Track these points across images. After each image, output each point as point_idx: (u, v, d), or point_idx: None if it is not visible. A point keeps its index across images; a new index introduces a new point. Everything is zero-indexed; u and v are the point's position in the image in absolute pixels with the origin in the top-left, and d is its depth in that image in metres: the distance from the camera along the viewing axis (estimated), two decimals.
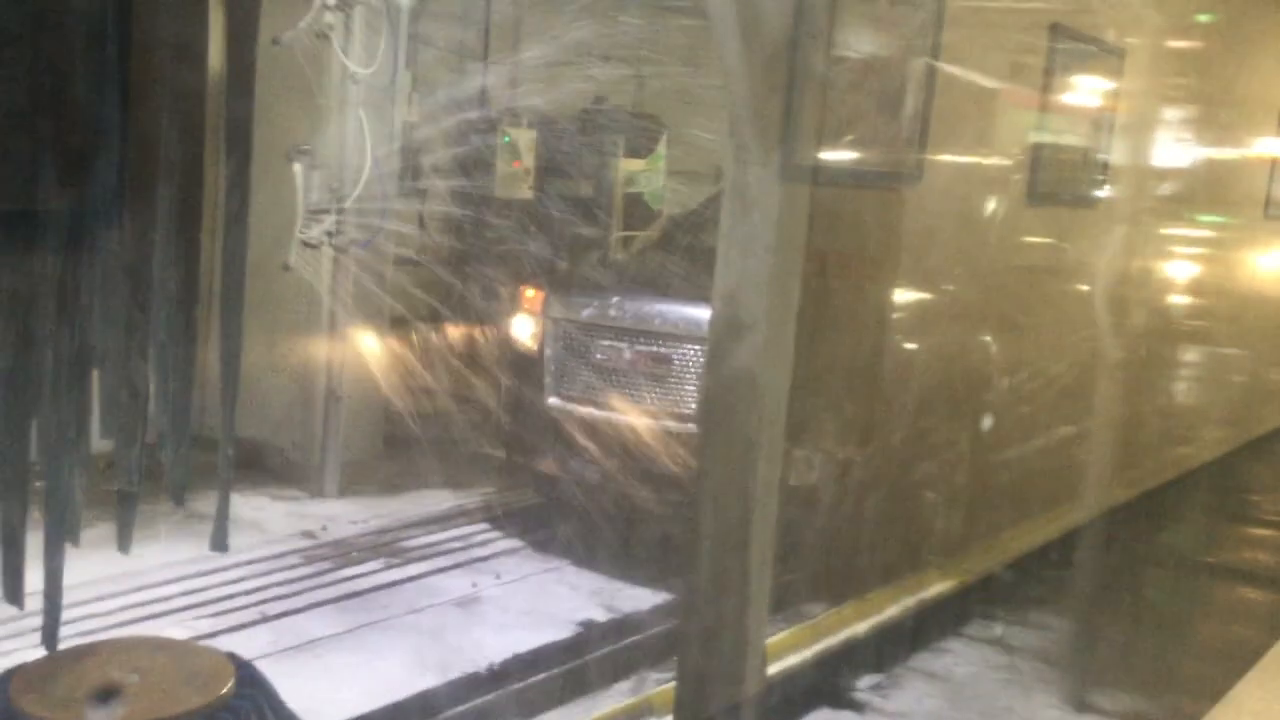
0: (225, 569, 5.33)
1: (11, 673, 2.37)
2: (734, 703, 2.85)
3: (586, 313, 6.09)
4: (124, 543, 2.67)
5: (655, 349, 5.68)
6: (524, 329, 6.38)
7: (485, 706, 4.25)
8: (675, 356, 5.66)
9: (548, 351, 6.10)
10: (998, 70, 6.10)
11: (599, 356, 5.90)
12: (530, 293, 6.43)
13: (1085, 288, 6.96)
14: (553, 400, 6.03)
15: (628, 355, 5.76)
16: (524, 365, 6.24)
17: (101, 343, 2.55)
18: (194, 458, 2.77)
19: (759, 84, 2.57)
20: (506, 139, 8.11)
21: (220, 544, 2.62)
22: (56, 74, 2.35)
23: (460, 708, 4.17)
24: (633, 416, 5.68)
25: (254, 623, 4.96)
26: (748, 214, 2.68)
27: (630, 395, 5.74)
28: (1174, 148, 8.08)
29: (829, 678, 4.63)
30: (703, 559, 2.78)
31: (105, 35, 2.33)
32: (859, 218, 3.72)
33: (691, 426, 5.23)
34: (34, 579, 2.54)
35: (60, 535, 2.55)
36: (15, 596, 2.41)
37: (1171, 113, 7.85)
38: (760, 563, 2.77)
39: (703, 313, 5.54)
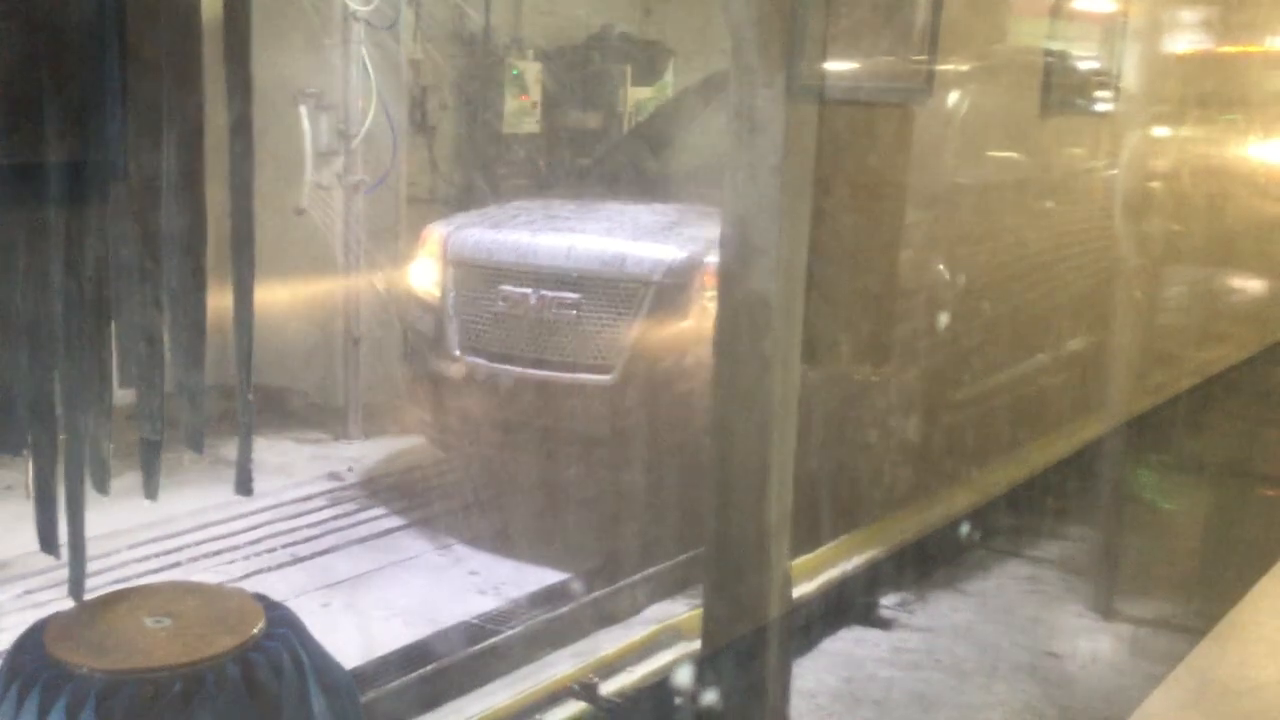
0: (254, 513, 5.40)
1: (45, 622, 2.40)
2: (759, 625, 2.88)
3: (489, 254, 5.50)
4: (151, 490, 2.69)
5: (564, 294, 5.18)
6: (425, 275, 5.74)
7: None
8: (586, 301, 5.13)
9: (451, 298, 5.51)
10: None
11: (502, 304, 5.33)
12: (436, 233, 5.80)
13: (1103, 196, 6.89)
14: (456, 355, 5.44)
15: (533, 301, 5.22)
16: (426, 316, 5.65)
17: (116, 293, 2.56)
18: (217, 404, 2.79)
19: (762, 2, 2.53)
20: (515, 72, 8.05)
21: (244, 488, 2.64)
22: (53, 23, 2.34)
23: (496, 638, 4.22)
24: (541, 371, 5.17)
25: (285, 564, 5.04)
26: (754, 137, 2.66)
27: (539, 346, 5.20)
28: (1190, 51, 7.95)
29: (856, 597, 4.67)
30: (720, 485, 2.80)
31: None
32: (868, 136, 3.63)
33: (608, 378, 4.99)
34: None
35: (81, 486, 2.56)
36: (50, 546, 2.44)
37: (1187, 14, 7.72)
38: (780, 486, 2.78)
39: (622, 248, 5.21)
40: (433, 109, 7.60)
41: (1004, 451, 5.91)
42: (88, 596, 2.57)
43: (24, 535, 2.68)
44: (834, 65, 2.97)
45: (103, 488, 2.65)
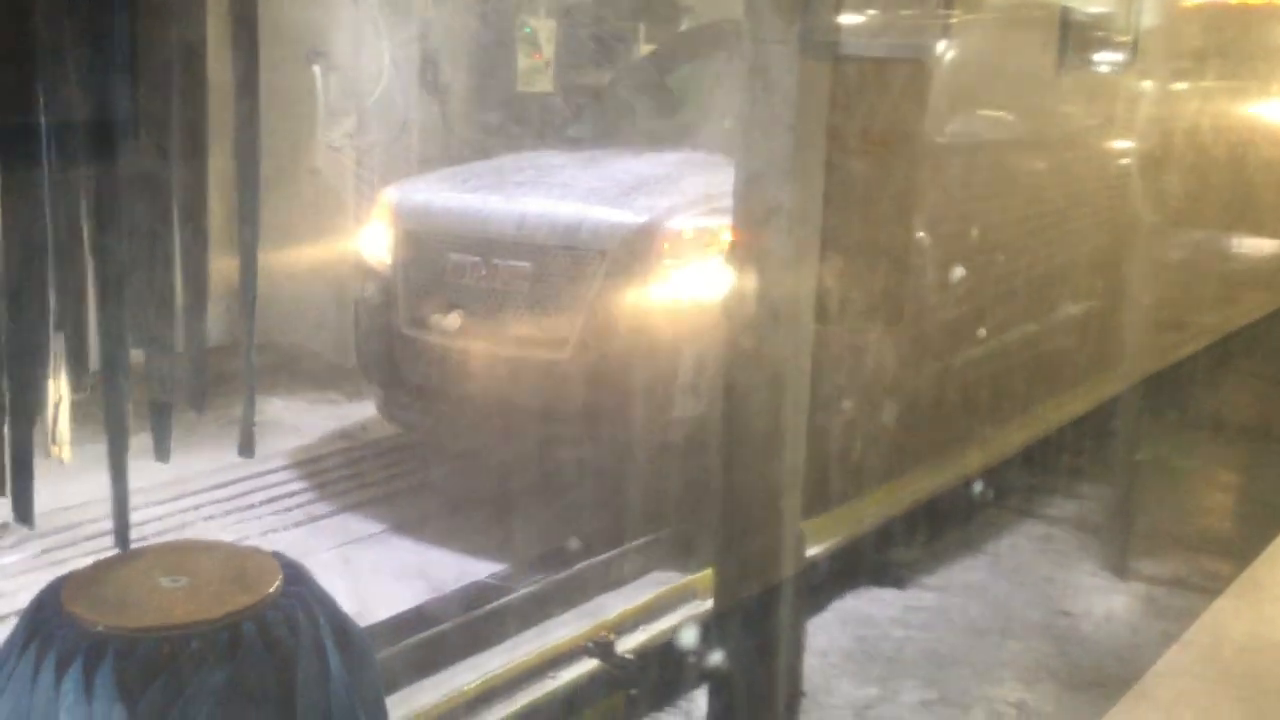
0: (268, 473, 5.42)
1: (63, 580, 2.41)
2: (771, 584, 2.89)
3: (438, 220, 5.19)
4: (162, 452, 2.70)
5: (514, 263, 4.85)
6: (376, 241, 5.40)
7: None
8: (538, 272, 4.80)
9: (399, 267, 5.21)
10: None
11: (450, 274, 5.02)
12: (387, 197, 5.47)
13: (1123, 151, 6.84)
14: (402, 327, 5.14)
15: (482, 271, 4.91)
16: (375, 285, 5.35)
17: (129, 254, 2.56)
18: (229, 364, 2.80)
19: None
20: (527, 30, 8.00)
21: (247, 448, 2.65)
22: None
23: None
24: (491, 345, 4.87)
25: (300, 523, 5.06)
26: (768, 93, 2.63)
27: (488, 319, 4.88)
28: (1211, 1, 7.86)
29: (870, 555, 4.68)
30: (730, 443, 2.80)
31: None
32: (882, 91, 3.56)
33: (561, 353, 4.67)
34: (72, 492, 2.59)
35: (124, 442, 2.57)
36: (26, 517, 2.44)
37: None
38: (792, 445, 2.78)
39: (577, 213, 4.85)
40: (445, 68, 7.57)
41: (1018, 410, 5.89)
42: (103, 555, 2.59)
43: (42, 495, 2.72)
44: (848, 19, 2.94)
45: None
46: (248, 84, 2.58)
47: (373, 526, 5.07)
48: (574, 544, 4.57)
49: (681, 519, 4.67)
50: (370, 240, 5.44)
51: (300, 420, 6.26)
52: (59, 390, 2.58)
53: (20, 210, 2.38)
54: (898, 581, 4.79)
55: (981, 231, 5.31)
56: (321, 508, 5.22)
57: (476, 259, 4.94)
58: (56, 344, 2.54)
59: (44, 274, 2.45)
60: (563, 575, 4.33)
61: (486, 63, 7.88)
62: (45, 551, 4.59)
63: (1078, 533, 5.43)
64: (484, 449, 5.23)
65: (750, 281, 2.69)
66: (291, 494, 5.31)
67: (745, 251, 2.72)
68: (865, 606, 4.61)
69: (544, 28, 8.13)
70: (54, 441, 2.69)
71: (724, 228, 4.52)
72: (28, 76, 2.33)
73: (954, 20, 4.41)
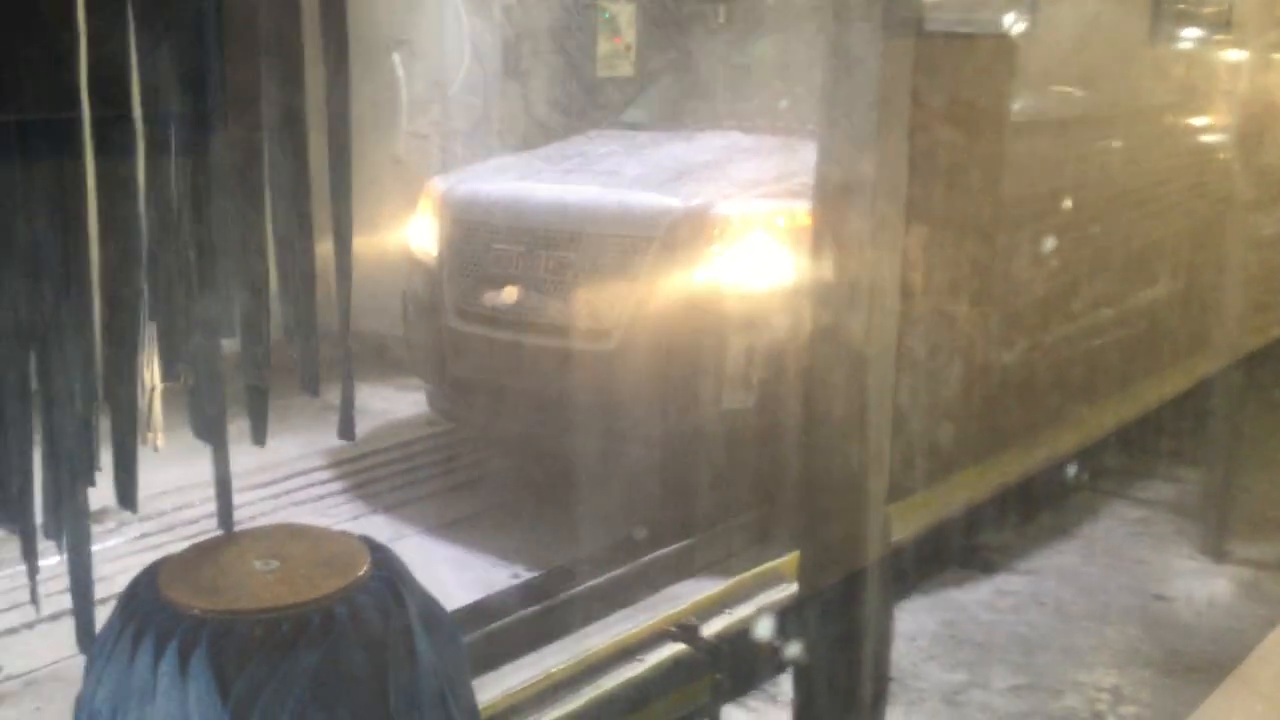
0: (359, 458, 5.49)
1: (158, 565, 2.46)
2: (857, 568, 2.86)
3: (484, 210, 5.12)
4: (259, 436, 2.74)
5: (559, 253, 4.76)
6: (424, 233, 5.36)
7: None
8: (583, 260, 4.70)
9: (446, 259, 5.14)
10: None
11: (496, 264, 4.95)
12: (435, 188, 5.40)
13: (1218, 125, 6.66)
14: (449, 319, 5.06)
15: (527, 261, 4.82)
16: (422, 277, 5.30)
17: (223, 242, 2.60)
18: (323, 351, 2.84)
19: None
20: (606, 15, 7.99)
21: (347, 433, 2.68)
22: None
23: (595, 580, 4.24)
24: (538, 337, 4.77)
25: (391, 507, 5.12)
26: (850, 71, 2.60)
27: (534, 310, 4.78)
28: None
29: (959, 539, 4.62)
30: (812, 426, 2.77)
31: None
32: (969, 68, 3.47)
33: (608, 344, 4.56)
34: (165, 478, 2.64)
35: (222, 426, 2.62)
36: (129, 502, 2.49)
37: None
38: (876, 427, 2.75)
39: (622, 199, 4.77)
40: (526, 54, 7.59)
41: (1113, 389, 5.76)
42: (198, 539, 2.64)
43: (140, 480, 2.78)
44: None
45: (215, 436, 2.72)
46: (338, 70, 2.60)
47: (464, 510, 5.11)
48: (625, 541, 4.55)
49: (735, 513, 4.61)
50: (417, 232, 5.39)
51: (388, 406, 6.35)
52: (152, 378, 2.64)
53: (115, 199, 2.44)
54: (987, 566, 4.72)
55: (1074, 207, 5.18)
56: (412, 492, 5.28)
57: (522, 248, 4.88)
58: (150, 331, 2.61)
59: (138, 262, 2.50)
60: (631, 567, 4.31)
61: (568, 48, 7.89)
62: (143, 536, 4.70)
63: (1174, 516, 5.31)
64: (533, 442, 5.20)
65: (831, 259, 2.66)
66: (381, 479, 5.38)
67: (826, 229, 2.69)
68: (954, 591, 4.56)
69: (624, 12, 8.11)
70: (148, 428, 2.75)
71: (775, 212, 4.49)
72: (121, 65, 2.37)
73: None
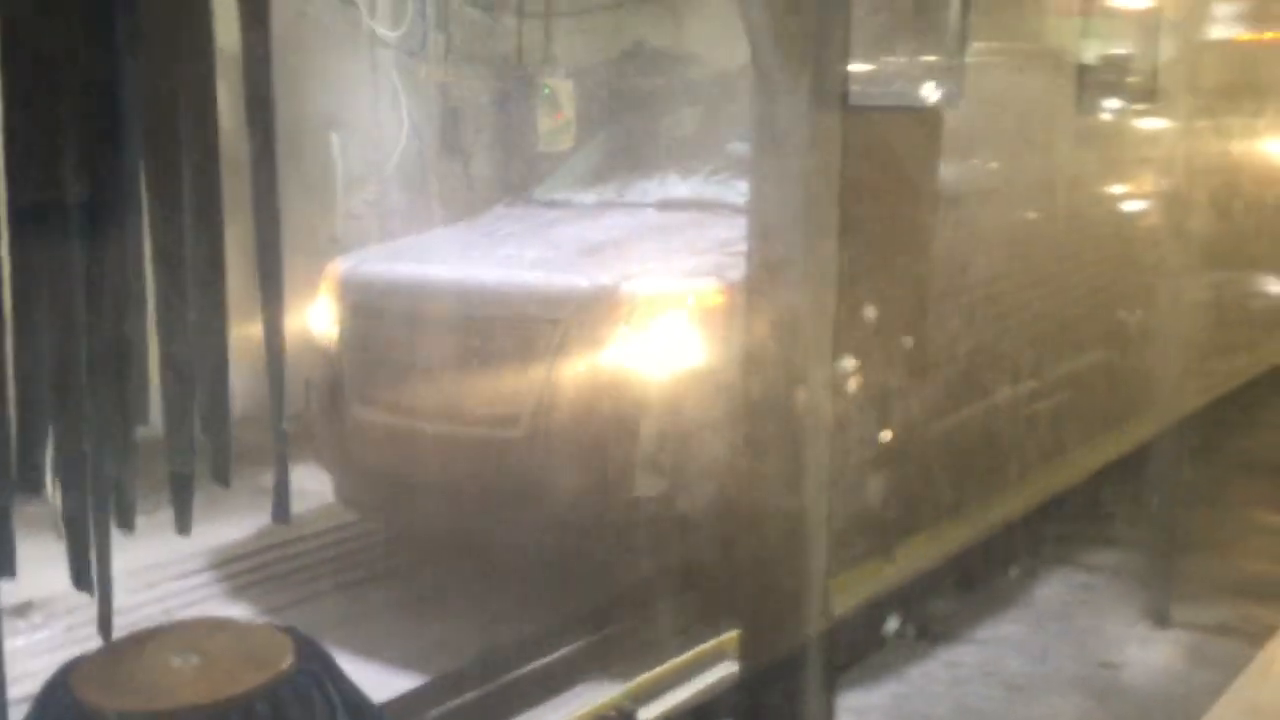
0: (293, 541, 5.34)
1: (72, 664, 2.39)
2: (800, 643, 2.82)
3: (381, 293, 4.93)
4: (183, 525, 2.67)
5: (462, 336, 4.57)
6: (324, 317, 5.09)
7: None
8: (486, 344, 4.53)
9: (345, 344, 4.93)
10: None
11: (397, 349, 4.78)
12: (334, 269, 5.16)
13: (1142, 193, 6.78)
14: (350, 406, 4.86)
15: (428, 345, 4.65)
16: (323, 362, 5.04)
17: (138, 328, 2.55)
18: (256, 434, 2.77)
19: (781, 5, 2.47)
20: (546, 90, 8.04)
21: (281, 515, 2.62)
22: (68, 63, 2.33)
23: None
24: (440, 425, 4.58)
25: (325, 593, 4.99)
26: (778, 145, 2.60)
27: (437, 396, 4.60)
28: (1228, 39, 7.83)
29: (904, 609, 4.59)
30: (752, 500, 2.74)
31: (112, 19, 2.31)
32: (896, 141, 3.49)
33: (514, 431, 4.42)
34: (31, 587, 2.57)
35: (107, 522, 2.55)
36: (83, 582, 2.42)
37: (1223, 4, 7.60)
38: (814, 499, 2.72)
39: (524, 280, 4.63)
40: (466, 131, 7.61)
41: (1051, 456, 5.78)
42: (119, 635, 2.56)
43: (62, 572, 2.69)
44: (858, 68, 2.91)
45: (127, 524, 2.64)
46: (264, 155, 2.57)
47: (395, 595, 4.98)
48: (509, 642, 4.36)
49: (651, 601, 4.46)
50: (317, 315, 5.14)
51: (325, 489, 6.21)
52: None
53: (35, 288, 2.38)
54: (933, 637, 4.69)
55: (1006, 275, 5.22)
56: (348, 576, 5.16)
57: (422, 333, 4.72)
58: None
59: (76, 349, 2.45)
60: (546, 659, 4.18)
61: (508, 124, 7.92)
62: (70, 629, 4.54)
63: (1117, 581, 5.31)
64: (439, 534, 5.02)
65: (764, 335, 2.65)
66: (318, 563, 5.24)
67: (758, 303, 2.68)
68: (901, 662, 4.51)
69: (564, 88, 8.17)
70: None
71: (685, 291, 4.38)
72: (41, 155, 2.33)
73: (967, 64, 4.34)
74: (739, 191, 4.72)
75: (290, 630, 2.58)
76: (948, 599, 4.87)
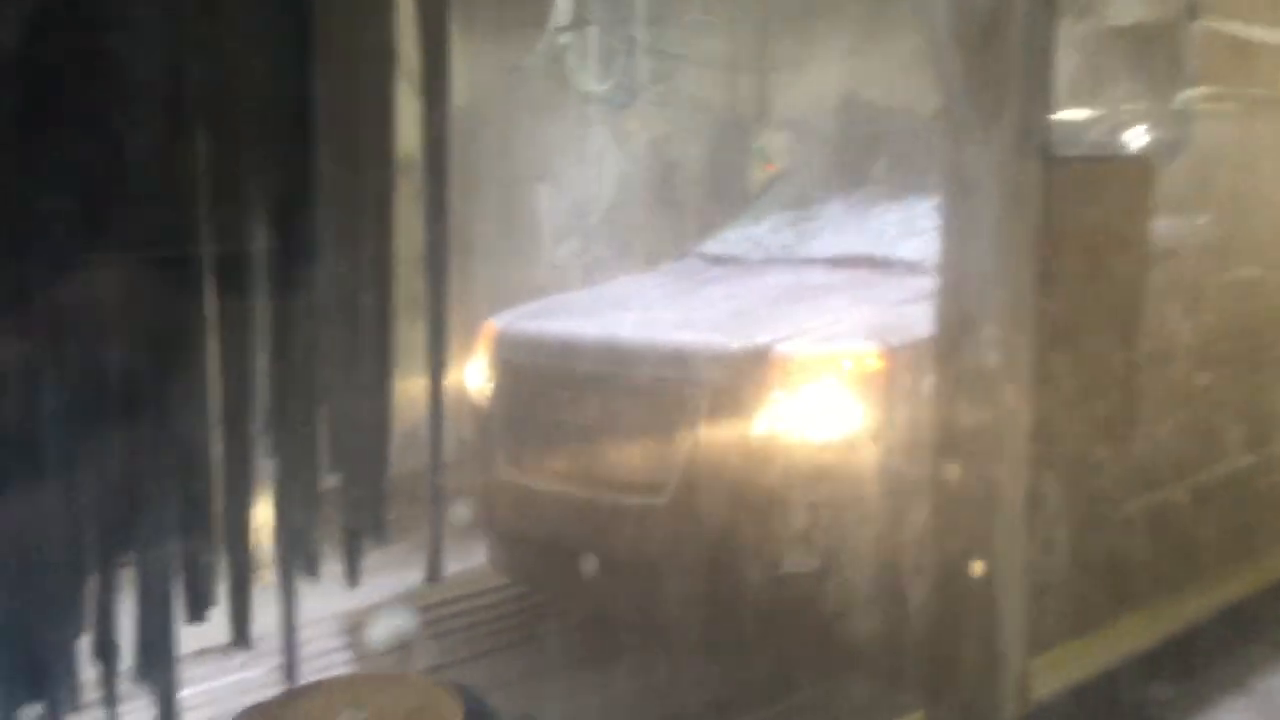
0: (462, 598, 5.30)
1: (245, 714, 2.41)
2: None
3: (532, 352, 4.80)
4: (353, 578, 2.70)
5: (608, 399, 4.43)
6: (478, 375, 5.00)
7: None
8: (633, 408, 4.38)
9: (496, 403, 4.82)
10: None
11: (544, 411, 4.65)
12: (491, 327, 5.03)
13: None
14: (499, 469, 4.73)
15: (574, 407, 4.53)
16: (475, 423, 4.94)
17: (322, 380, 2.58)
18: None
19: (974, 50, 2.34)
20: (757, 145, 8.00)
21: (435, 576, 2.62)
22: (250, 116, 2.38)
23: None
24: (585, 490, 4.44)
25: (489, 651, 4.92)
26: (967, 197, 2.46)
27: (583, 461, 4.46)
28: None
29: (1116, 695, 4.26)
30: (942, 579, 2.57)
31: (288, 70, 2.36)
32: (1103, 193, 3.23)
33: (659, 499, 4.23)
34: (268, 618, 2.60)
35: (293, 571, 2.59)
36: (243, 639, 2.45)
37: None
38: (1010, 578, 2.53)
39: (672, 341, 4.44)
40: (679, 182, 7.63)
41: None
42: (326, 673, 2.59)
43: (269, 614, 2.73)
44: (1060, 115, 2.74)
45: (314, 572, 2.68)
46: (438, 206, 2.60)
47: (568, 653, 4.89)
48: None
49: (802, 686, 4.22)
50: (473, 374, 5.02)
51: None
52: (266, 515, 2.62)
53: (232, 337, 2.45)
54: None
55: (1226, 338, 4.82)
56: (515, 635, 5.09)
57: (570, 394, 4.56)
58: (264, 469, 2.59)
59: (252, 401, 2.50)
60: None
61: (720, 176, 7.91)
62: (276, 668, 4.65)
63: None
64: (582, 603, 4.87)
65: (952, 402, 2.49)
66: (487, 620, 5.18)
67: (947, 366, 2.53)
68: None
69: (776, 140, 8.11)
70: (262, 566, 2.73)
71: (842, 354, 4.09)
72: (223, 207, 2.40)
73: (1189, 110, 4.02)
74: (914, 248, 4.51)
75: (460, 687, 2.55)
76: (1166, 684, 4.50)
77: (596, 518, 4.39)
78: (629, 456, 4.29)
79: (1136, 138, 4.03)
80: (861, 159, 5.95)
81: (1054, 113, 2.66)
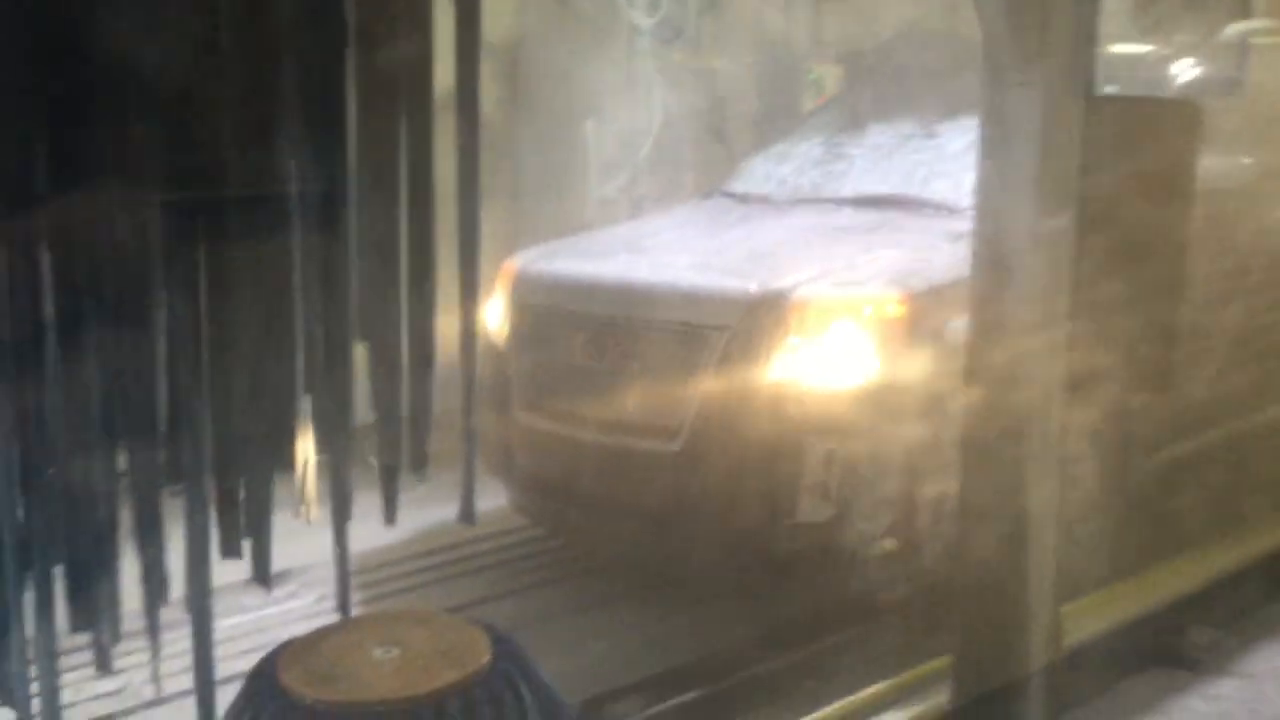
0: (491, 536, 5.33)
1: (283, 648, 2.46)
2: (1021, 676, 2.63)
3: (548, 292, 4.71)
4: (390, 515, 2.74)
5: (622, 341, 4.35)
6: (496, 316, 4.89)
7: None
8: (648, 350, 4.29)
9: (513, 345, 4.73)
10: None
11: (559, 352, 4.57)
12: (509, 266, 4.92)
13: None
14: (514, 411, 4.67)
15: (589, 349, 4.44)
16: (495, 364, 4.81)
17: (358, 320, 2.60)
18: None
19: None
20: (812, 77, 7.88)
21: (467, 517, 2.64)
22: (286, 54, 2.38)
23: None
24: (599, 434, 4.37)
25: (519, 590, 4.95)
26: (1007, 142, 2.40)
27: (597, 404, 4.36)
28: None
29: (1155, 637, 4.25)
30: (967, 523, 2.56)
31: (323, 17, 2.35)
32: (1145, 137, 3.13)
33: (673, 444, 4.15)
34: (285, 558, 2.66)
35: (345, 508, 2.62)
36: (264, 578, 2.50)
37: None
38: (1041, 522, 2.52)
39: (689, 283, 4.35)
40: (730, 116, 7.54)
41: None
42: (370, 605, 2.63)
43: (313, 543, 2.78)
44: (1106, 50, 2.67)
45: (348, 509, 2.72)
46: (469, 150, 2.58)
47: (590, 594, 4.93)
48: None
49: (822, 634, 4.18)
50: (491, 314, 4.91)
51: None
52: (305, 451, 2.66)
53: (268, 278, 2.46)
54: (1193, 664, 4.32)
55: (1269, 285, 4.69)
56: (543, 574, 5.13)
57: (586, 336, 4.47)
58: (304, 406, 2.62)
59: (293, 339, 2.52)
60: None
61: (771, 110, 7.80)
62: (321, 599, 4.74)
63: None
64: (598, 546, 4.87)
65: (988, 348, 2.46)
66: (517, 559, 5.21)
67: (982, 310, 2.50)
68: (1154, 692, 4.18)
69: (831, 74, 7.97)
70: (302, 501, 2.77)
71: (862, 300, 4.00)
72: (258, 147, 2.40)
73: (1244, 44, 3.86)
74: (946, 187, 4.42)
75: (489, 627, 2.59)
76: (1208, 628, 4.48)
77: (611, 462, 4.33)
78: (644, 401, 4.21)
79: (1188, 73, 3.90)
80: (912, 92, 5.81)
81: (1099, 49, 2.59)
